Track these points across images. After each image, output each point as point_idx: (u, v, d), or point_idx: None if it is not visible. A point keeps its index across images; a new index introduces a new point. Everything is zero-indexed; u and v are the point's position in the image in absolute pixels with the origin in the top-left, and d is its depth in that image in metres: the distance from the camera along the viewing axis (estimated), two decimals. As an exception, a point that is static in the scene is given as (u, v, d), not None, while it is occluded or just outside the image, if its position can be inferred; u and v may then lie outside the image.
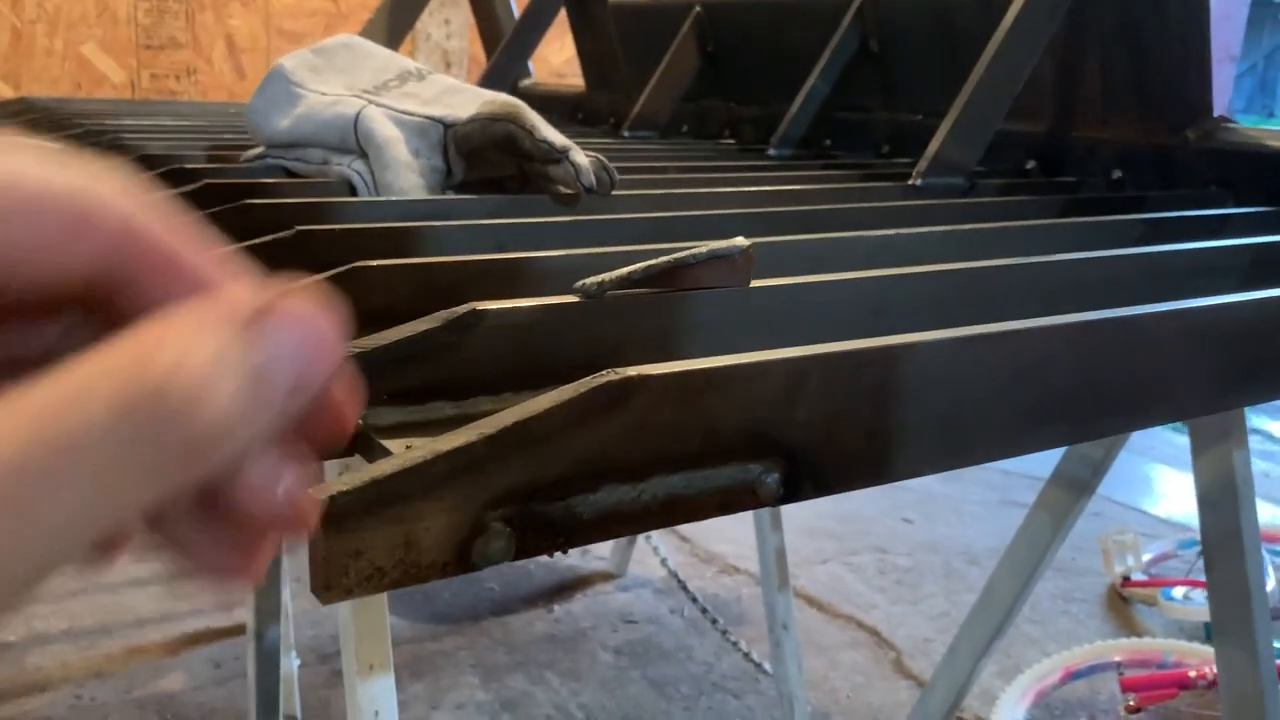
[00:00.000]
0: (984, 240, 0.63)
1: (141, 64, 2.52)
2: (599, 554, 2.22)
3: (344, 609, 0.68)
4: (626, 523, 0.31)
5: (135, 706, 1.64)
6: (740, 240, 0.45)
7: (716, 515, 0.33)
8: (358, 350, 0.37)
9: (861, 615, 1.99)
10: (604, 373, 0.30)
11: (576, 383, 0.30)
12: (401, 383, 0.38)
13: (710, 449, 0.32)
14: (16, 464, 0.14)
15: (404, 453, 0.27)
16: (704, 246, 0.43)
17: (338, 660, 1.77)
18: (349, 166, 0.74)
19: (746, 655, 1.76)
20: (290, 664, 1.27)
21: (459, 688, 1.70)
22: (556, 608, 1.99)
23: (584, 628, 1.92)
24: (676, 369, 0.31)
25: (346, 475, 0.26)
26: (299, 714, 1.24)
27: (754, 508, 0.33)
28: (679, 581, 1.92)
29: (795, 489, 0.33)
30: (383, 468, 0.27)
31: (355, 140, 0.74)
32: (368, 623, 0.67)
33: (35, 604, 1.98)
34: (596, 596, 2.05)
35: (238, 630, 1.85)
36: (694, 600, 1.87)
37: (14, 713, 1.62)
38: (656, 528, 0.31)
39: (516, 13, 1.77)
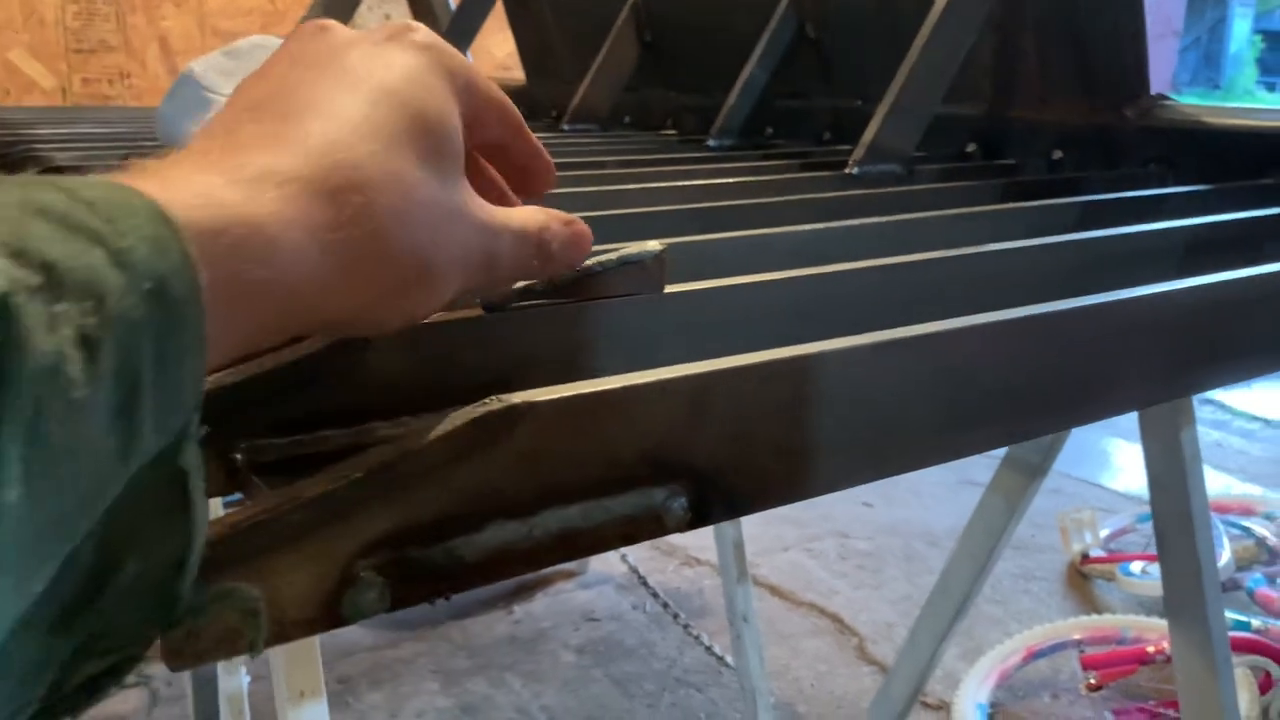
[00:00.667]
0: (916, 231, 0.61)
1: (72, 68, 2.45)
2: (560, 551, 2.20)
3: (271, 635, 0.65)
4: (517, 562, 0.28)
5: (85, 729, 1.60)
6: (653, 244, 0.42)
7: (619, 546, 0.30)
8: (239, 378, 0.35)
9: (823, 602, 1.98)
10: (486, 400, 0.28)
11: (455, 414, 0.28)
12: (289, 411, 0.36)
13: (609, 477, 0.30)
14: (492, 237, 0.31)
15: (258, 502, 0.25)
16: (614, 253, 0.41)
17: (293, 673, 1.73)
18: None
19: (709, 649, 1.75)
20: (241, 681, 1.23)
21: (419, 694, 1.68)
22: (517, 608, 1.97)
23: (545, 628, 1.90)
24: (566, 393, 0.29)
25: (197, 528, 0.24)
26: (250, 732, 1.21)
27: (660, 535, 0.31)
28: (640, 577, 1.90)
29: (705, 513, 0.31)
30: (232, 520, 0.24)
31: (268, 145, 0.71)
32: (297, 649, 0.65)
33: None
34: (558, 595, 2.03)
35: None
36: (655, 595, 1.86)
37: (-41, 741, 1.57)
38: (552, 564, 0.29)
39: (454, 5, 1.73)
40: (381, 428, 0.38)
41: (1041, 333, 0.40)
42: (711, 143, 1.11)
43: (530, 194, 0.38)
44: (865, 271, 0.47)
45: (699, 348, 0.37)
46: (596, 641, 1.84)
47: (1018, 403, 0.39)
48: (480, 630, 1.88)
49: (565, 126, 1.32)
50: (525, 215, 0.34)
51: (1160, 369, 0.45)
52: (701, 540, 2.22)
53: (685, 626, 1.81)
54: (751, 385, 0.32)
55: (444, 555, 0.27)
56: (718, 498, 0.32)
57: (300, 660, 0.65)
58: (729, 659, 1.69)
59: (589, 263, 0.40)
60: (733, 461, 0.32)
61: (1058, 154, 0.98)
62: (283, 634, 0.25)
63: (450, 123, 0.30)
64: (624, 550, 2.03)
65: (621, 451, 0.30)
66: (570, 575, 2.10)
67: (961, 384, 0.37)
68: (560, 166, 0.85)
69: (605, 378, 0.30)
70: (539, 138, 0.75)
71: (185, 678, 1.08)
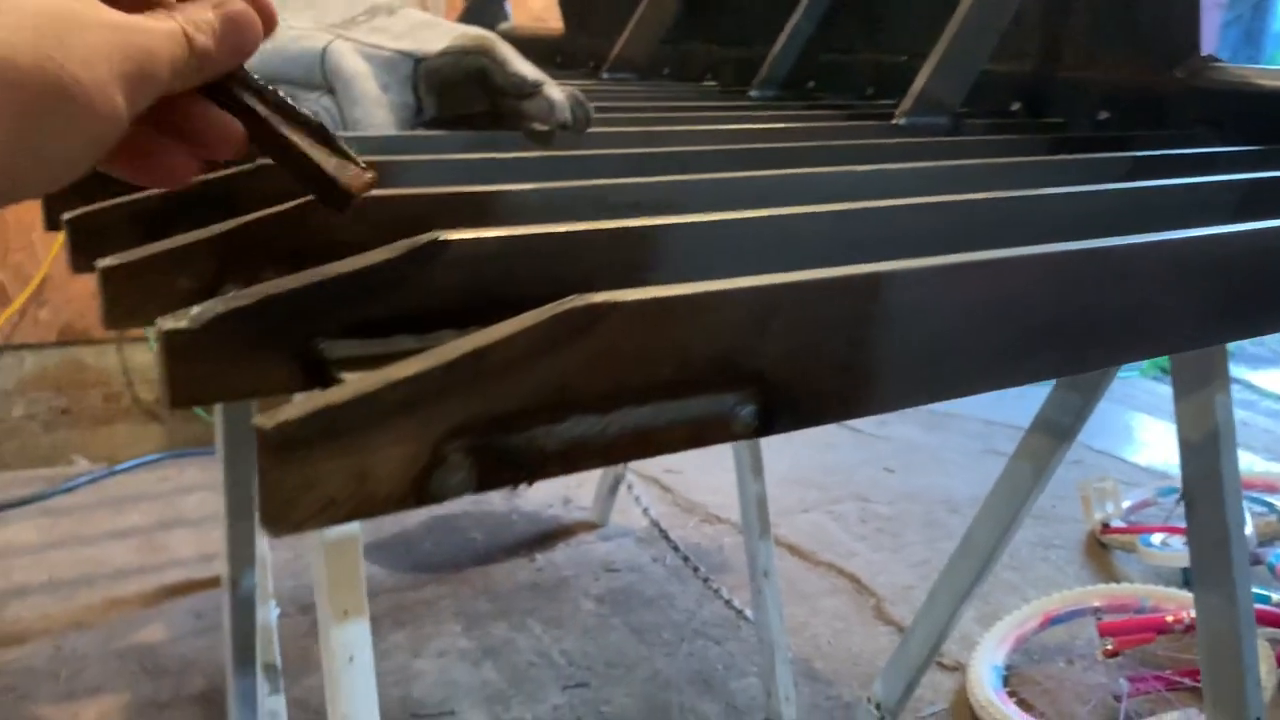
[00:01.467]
0: (968, 177, 0.61)
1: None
2: (581, 504, 2.22)
3: (317, 554, 0.67)
4: (592, 455, 0.29)
5: (115, 657, 1.64)
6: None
7: (688, 448, 0.31)
8: (317, 280, 0.35)
9: (842, 563, 1.99)
10: (570, 298, 0.29)
11: (540, 309, 0.29)
12: (363, 315, 0.37)
13: (682, 379, 0.31)
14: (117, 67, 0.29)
15: (357, 380, 0.26)
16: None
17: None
18: (316, 103, 0.72)
19: (728, 602, 1.77)
20: (269, 613, 1.26)
21: (441, 636, 1.70)
22: (539, 557, 1.99)
23: (566, 576, 1.92)
24: (647, 295, 0.30)
25: (297, 403, 0.25)
26: (279, 663, 1.23)
27: (727, 440, 0.32)
28: (661, 531, 1.92)
29: (771, 421, 0.32)
30: (335, 395, 0.25)
31: (322, 75, 0.71)
32: (341, 567, 0.66)
33: (14, 556, 1.97)
34: (579, 546, 2.05)
35: (217, 582, 1.85)
36: (676, 549, 1.88)
37: (-7, 664, 1.62)
38: (624, 460, 0.30)
39: (494, -47, 1.72)
40: (449, 335, 0.39)
41: (1099, 266, 0.40)
42: (753, 93, 1.11)
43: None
44: (918, 208, 0.48)
45: (756, 273, 0.38)
46: (616, 591, 1.87)
47: (1070, 334, 0.40)
48: (502, 576, 1.91)
49: (604, 75, 1.32)
50: (174, 17, 0.32)
51: (1211, 310, 0.45)
52: (722, 499, 2.24)
53: (705, 580, 1.83)
54: (818, 300, 0.33)
55: (526, 444, 0.28)
56: (784, 407, 0.33)
57: (344, 579, 0.66)
58: (748, 613, 1.71)
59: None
60: (799, 373, 0.33)
61: (1104, 114, 0.98)
62: (375, 507, 0.26)
63: None
64: (645, 504, 2.05)
65: (695, 355, 0.31)
66: (592, 527, 2.13)
67: (1017, 313, 0.38)
68: (601, 110, 0.85)
69: (681, 284, 0.31)
70: (576, 85, 0.75)
71: (224, 603, 1.11)
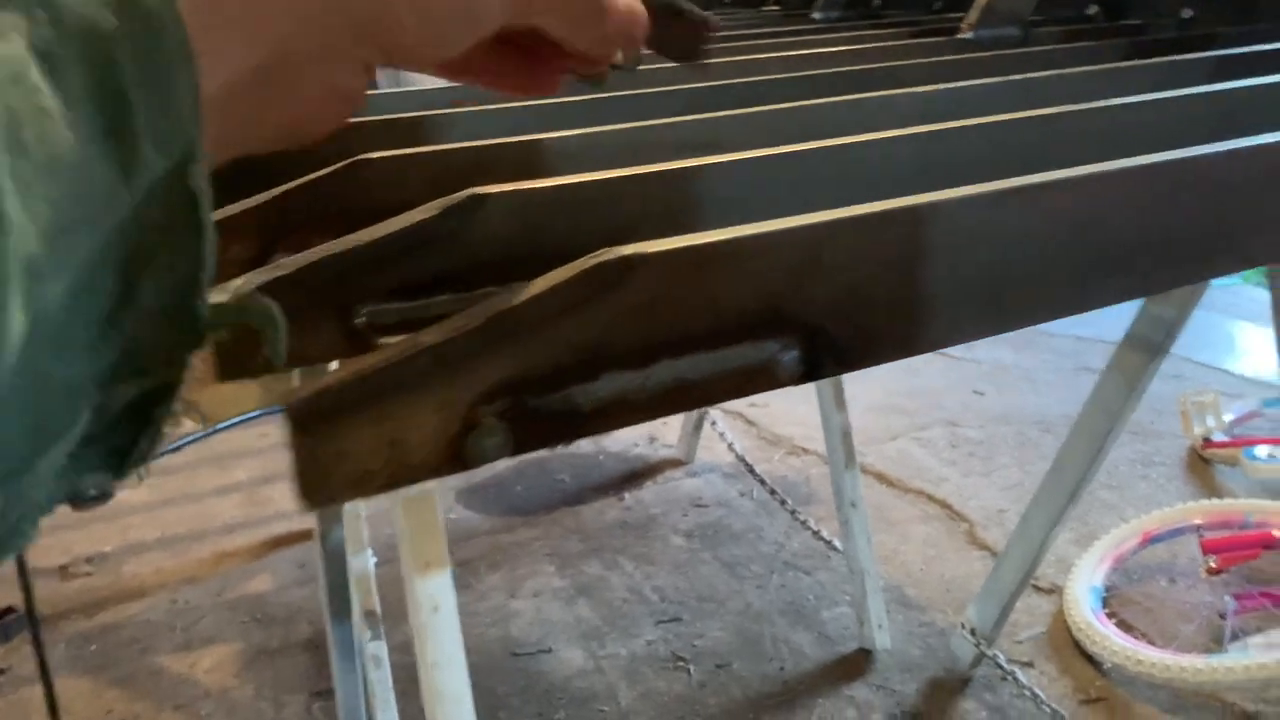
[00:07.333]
0: (1039, 90, 0.58)
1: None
2: (666, 442, 2.23)
3: (396, 509, 0.68)
4: (633, 411, 0.29)
5: (227, 608, 1.71)
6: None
7: (733, 398, 0.31)
8: (354, 245, 0.35)
9: (932, 489, 1.97)
10: (599, 252, 0.28)
11: (568, 265, 0.28)
12: (405, 276, 0.36)
13: (721, 329, 0.30)
14: None
15: (383, 349, 0.26)
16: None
17: (415, 556, 1.80)
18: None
19: (816, 533, 1.77)
20: (366, 562, 1.29)
21: (536, 575, 1.74)
22: (627, 495, 2.01)
23: (655, 514, 1.94)
24: (678, 244, 0.29)
25: (320, 377, 0.25)
26: (378, 609, 1.27)
27: (773, 388, 0.31)
28: (747, 465, 1.92)
29: (817, 366, 0.31)
30: (360, 365, 0.25)
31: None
32: (420, 520, 0.67)
33: (129, 515, 2.06)
34: (666, 483, 2.06)
35: (319, 531, 1.91)
36: (762, 482, 1.87)
37: (117, 618, 1.70)
38: (666, 415, 0.30)
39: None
40: (496, 292, 0.39)
41: (1180, 179, 0.38)
42: (816, 15, 1.07)
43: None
44: (988, 127, 0.46)
45: (813, 208, 0.36)
46: (705, 526, 1.88)
47: (1147, 253, 0.38)
48: (592, 516, 1.93)
49: (664, 7, 1.29)
50: None
51: (1301, 220, 0.42)
52: (807, 430, 2.22)
53: (793, 513, 1.82)
54: (863, 237, 0.31)
55: (562, 403, 0.28)
56: (829, 351, 0.32)
57: (424, 531, 0.67)
58: (837, 544, 1.71)
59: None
60: (845, 314, 0.31)
61: (1188, 12, 0.92)
62: (410, 475, 0.26)
63: None
64: (730, 439, 2.04)
65: (734, 304, 0.30)
66: (678, 464, 2.13)
67: (1086, 235, 0.36)
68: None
69: (717, 230, 0.30)
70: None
71: (318, 556, 1.14)
